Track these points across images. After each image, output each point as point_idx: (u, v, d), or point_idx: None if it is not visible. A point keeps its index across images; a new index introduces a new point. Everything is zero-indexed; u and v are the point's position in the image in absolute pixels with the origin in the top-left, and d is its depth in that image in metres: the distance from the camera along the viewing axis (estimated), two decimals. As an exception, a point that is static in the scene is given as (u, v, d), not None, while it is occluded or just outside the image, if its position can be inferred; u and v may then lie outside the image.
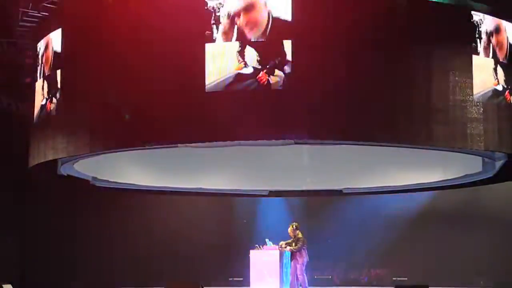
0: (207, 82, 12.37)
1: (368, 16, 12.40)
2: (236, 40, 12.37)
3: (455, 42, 13.00)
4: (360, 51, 12.33)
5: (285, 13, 12.28)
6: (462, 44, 13.08)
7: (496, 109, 13.30)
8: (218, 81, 12.34)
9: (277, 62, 12.24)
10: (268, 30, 12.30)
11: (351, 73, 12.32)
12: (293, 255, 15.39)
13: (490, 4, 13.38)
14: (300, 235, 15.37)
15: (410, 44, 12.62)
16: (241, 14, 12.39)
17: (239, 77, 12.31)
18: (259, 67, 12.29)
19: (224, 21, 12.41)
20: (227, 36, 12.38)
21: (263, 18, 12.33)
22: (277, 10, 12.31)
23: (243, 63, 12.33)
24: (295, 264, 15.30)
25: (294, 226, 15.46)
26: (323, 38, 12.30)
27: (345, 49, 12.32)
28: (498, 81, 13.39)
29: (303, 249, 15.35)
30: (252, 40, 12.31)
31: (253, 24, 12.34)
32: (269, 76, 12.23)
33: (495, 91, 13.33)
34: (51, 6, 14.05)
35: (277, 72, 12.24)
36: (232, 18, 12.37)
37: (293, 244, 15.31)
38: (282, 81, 12.19)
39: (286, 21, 12.28)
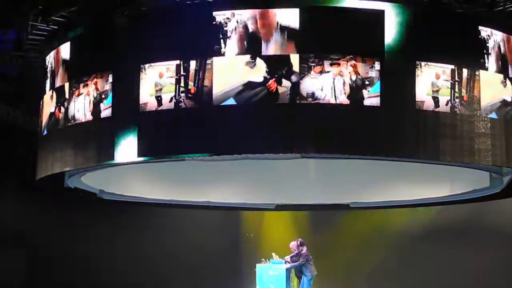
0: (214, 92, 12.41)
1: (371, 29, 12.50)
2: (246, 53, 12.45)
3: (463, 57, 12.99)
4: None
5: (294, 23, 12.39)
6: (470, 59, 13.06)
7: (504, 123, 13.25)
8: (227, 90, 12.38)
9: (284, 72, 12.29)
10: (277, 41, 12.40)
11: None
12: (300, 269, 15.55)
13: (499, 19, 13.39)
14: (303, 251, 15.51)
15: (417, 58, 12.63)
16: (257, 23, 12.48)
17: (249, 84, 12.35)
18: (268, 76, 12.35)
19: (233, 34, 12.49)
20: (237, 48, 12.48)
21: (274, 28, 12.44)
22: (285, 22, 12.42)
23: (253, 64, 12.36)
24: (303, 278, 15.48)
25: (298, 242, 15.64)
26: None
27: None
28: (506, 89, 13.32)
29: (310, 264, 15.47)
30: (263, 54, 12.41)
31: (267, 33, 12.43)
32: (277, 86, 12.28)
33: (503, 102, 13.27)
34: (60, 19, 14.12)
35: (284, 82, 12.28)
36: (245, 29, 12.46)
37: (297, 259, 15.51)
38: (289, 91, 12.23)
39: (293, 32, 12.37)
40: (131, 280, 19.12)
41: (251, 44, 12.43)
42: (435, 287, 18.68)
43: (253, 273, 16.10)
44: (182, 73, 12.60)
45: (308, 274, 15.52)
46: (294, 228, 19.34)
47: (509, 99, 13.36)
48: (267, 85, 12.30)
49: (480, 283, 18.47)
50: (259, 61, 12.38)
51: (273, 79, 12.29)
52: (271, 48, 12.40)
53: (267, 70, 12.34)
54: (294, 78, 12.28)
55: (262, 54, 12.38)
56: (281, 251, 16.25)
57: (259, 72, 12.35)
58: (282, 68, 12.30)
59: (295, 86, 12.27)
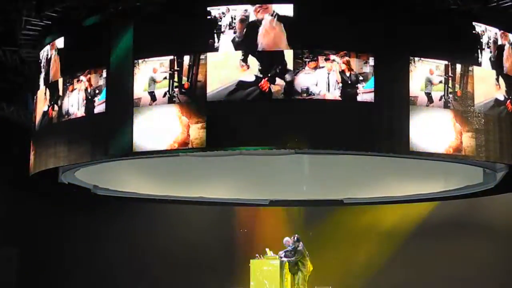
0: (208, 90, 12.40)
1: (365, 25, 12.50)
2: (240, 49, 12.42)
3: (457, 53, 13.00)
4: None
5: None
6: (464, 55, 13.07)
7: (498, 119, 13.28)
8: (220, 89, 12.37)
9: (278, 70, 12.27)
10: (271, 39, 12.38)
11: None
12: (296, 265, 15.59)
13: (494, 15, 13.41)
14: (300, 247, 15.53)
15: (410, 54, 12.63)
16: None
17: (241, 84, 12.33)
18: (261, 75, 12.32)
19: (227, 29, 12.47)
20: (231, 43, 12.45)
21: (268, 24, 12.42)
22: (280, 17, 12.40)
23: (246, 66, 12.35)
24: (298, 274, 15.52)
25: (295, 238, 15.64)
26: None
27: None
28: (499, 87, 13.35)
29: (306, 259, 15.53)
30: (257, 49, 12.37)
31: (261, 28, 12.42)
32: (270, 84, 12.26)
33: (496, 101, 13.30)
34: (54, 14, 14.08)
35: (278, 81, 12.27)
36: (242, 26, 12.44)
37: (292, 254, 15.53)
38: (283, 90, 12.22)
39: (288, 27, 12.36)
40: (125, 277, 19.10)
41: (245, 40, 12.41)
42: (429, 282, 18.70)
43: (247, 268, 16.10)
44: (175, 68, 12.61)
45: (304, 270, 15.55)
46: (287, 223, 19.33)
47: (501, 98, 13.39)
48: (259, 85, 12.29)
49: (474, 278, 18.52)
50: (251, 58, 12.37)
51: (266, 79, 12.27)
52: (265, 44, 12.39)
53: (260, 68, 12.33)
54: (288, 76, 12.27)
55: (256, 50, 12.37)
56: (275, 246, 16.25)
57: (251, 71, 12.33)
58: (275, 66, 12.29)
59: (289, 83, 12.26)
